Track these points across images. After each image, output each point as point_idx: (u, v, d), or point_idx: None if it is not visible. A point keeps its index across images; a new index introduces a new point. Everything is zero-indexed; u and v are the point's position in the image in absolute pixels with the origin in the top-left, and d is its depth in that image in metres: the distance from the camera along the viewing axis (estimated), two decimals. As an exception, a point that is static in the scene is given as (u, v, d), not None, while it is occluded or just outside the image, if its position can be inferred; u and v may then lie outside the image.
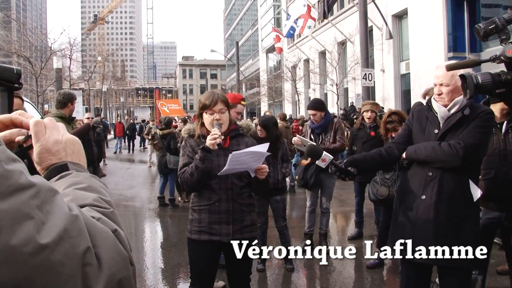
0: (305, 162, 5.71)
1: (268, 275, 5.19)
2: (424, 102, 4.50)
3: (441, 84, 2.84)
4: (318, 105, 5.86)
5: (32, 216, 0.69)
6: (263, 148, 2.86)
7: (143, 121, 31.49)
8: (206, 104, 2.97)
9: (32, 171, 0.95)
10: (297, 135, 5.52)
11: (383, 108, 15.59)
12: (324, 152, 3.03)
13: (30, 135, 0.96)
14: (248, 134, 3.20)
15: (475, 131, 2.75)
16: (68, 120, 5.43)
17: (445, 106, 2.86)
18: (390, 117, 5.09)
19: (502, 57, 2.44)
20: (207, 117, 3.00)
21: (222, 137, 2.87)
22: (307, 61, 32.32)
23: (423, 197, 2.83)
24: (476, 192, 2.79)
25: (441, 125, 2.88)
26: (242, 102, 5.14)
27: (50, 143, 0.96)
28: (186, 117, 15.16)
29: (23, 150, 1.00)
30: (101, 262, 0.75)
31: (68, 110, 5.45)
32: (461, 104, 2.82)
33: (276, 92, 39.47)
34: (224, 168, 2.81)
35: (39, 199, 0.71)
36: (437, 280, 3.25)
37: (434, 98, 2.93)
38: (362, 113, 6.53)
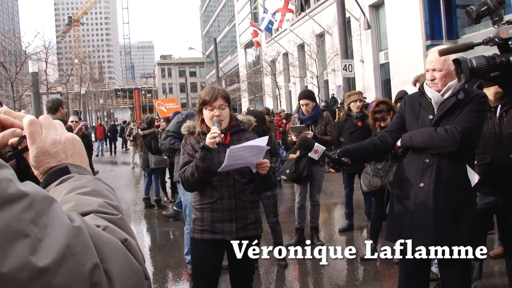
0: (294, 155, 5.60)
1: (262, 272, 5.11)
2: (411, 90, 4.46)
3: (433, 70, 2.79)
4: (311, 94, 5.80)
5: (26, 233, 0.57)
6: (262, 141, 2.77)
7: (124, 122, 31.16)
8: (206, 100, 2.90)
9: (29, 175, 0.84)
10: (290, 126, 5.45)
11: (365, 98, 15.61)
12: (316, 143, 2.96)
13: (25, 135, 0.85)
14: (249, 129, 3.12)
15: (470, 115, 2.70)
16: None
17: (439, 91, 2.81)
18: (378, 106, 5.04)
19: (496, 39, 2.38)
20: (207, 113, 2.92)
21: (222, 135, 2.80)
22: (286, 54, 32.27)
23: (421, 184, 2.78)
24: (474, 177, 2.75)
25: (435, 110, 2.83)
26: None
27: (48, 144, 0.85)
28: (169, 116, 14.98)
29: (17, 153, 0.88)
30: (112, 279, 0.64)
31: (60, 114, 5.64)
32: (454, 89, 2.77)
33: (257, 87, 39.38)
34: (223, 164, 2.73)
35: (33, 211, 0.59)
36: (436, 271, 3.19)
37: (426, 84, 2.87)
38: (349, 103, 6.43)
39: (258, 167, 2.86)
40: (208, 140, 2.75)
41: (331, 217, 7.86)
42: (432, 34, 17.98)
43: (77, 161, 0.88)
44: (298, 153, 5.48)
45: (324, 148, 2.95)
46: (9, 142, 0.88)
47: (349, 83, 17.21)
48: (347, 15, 18.57)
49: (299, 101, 5.80)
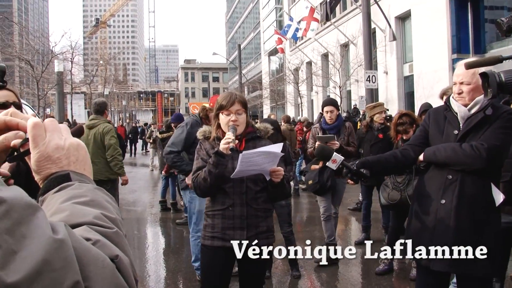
0: (316, 166, 5.44)
1: (274, 282, 5.04)
2: (435, 103, 4.35)
3: (461, 83, 2.70)
4: (335, 102, 5.70)
5: None
6: (277, 148, 2.71)
7: (145, 124, 31.38)
8: (223, 105, 2.88)
9: (29, 180, 0.80)
10: (317, 135, 5.29)
11: (387, 109, 15.43)
12: (335, 153, 2.90)
13: (28, 138, 0.82)
14: (265, 137, 3.09)
15: (498, 132, 2.59)
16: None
17: (465, 105, 2.71)
18: (401, 118, 4.93)
19: (527, 53, 2.29)
20: (223, 118, 2.90)
21: (236, 141, 2.77)
22: (309, 63, 32.23)
23: (443, 201, 2.69)
24: (499, 196, 2.64)
25: (461, 125, 2.73)
26: None
27: (51, 149, 0.81)
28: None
29: (19, 156, 0.85)
30: None
31: (106, 116, 6.23)
32: (482, 104, 2.67)
33: (279, 95, 39.36)
34: (236, 170, 2.69)
35: (9, 220, 0.54)
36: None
37: (453, 97, 2.77)
38: (374, 115, 6.31)
39: (271, 174, 2.80)
40: (222, 146, 2.72)
41: (347, 229, 7.75)
42: (459, 47, 17.72)
43: (80, 169, 0.84)
44: (321, 163, 5.32)
45: (343, 158, 2.88)
46: (11, 144, 0.84)
47: (372, 94, 17.02)
48: (373, 26, 18.46)
49: (322, 109, 5.65)
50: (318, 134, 5.50)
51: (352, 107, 21.40)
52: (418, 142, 2.91)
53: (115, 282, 0.63)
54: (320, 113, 5.84)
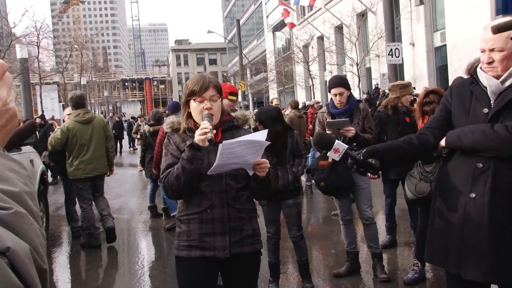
0: (325, 163, 5.21)
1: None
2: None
3: (491, 50, 2.60)
4: (344, 80, 5.43)
5: None
6: (261, 136, 2.68)
7: (133, 118, 31.40)
8: (195, 90, 2.86)
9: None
10: (328, 120, 5.10)
11: (414, 88, 15.35)
12: (337, 141, 2.86)
13: None
14: (244, 126, 3.09)
15: None
16: None
17: (497, 77, 2.63)
18: (428, 97, 4.85)
19: None
20: (195, 106, 2.87)
21: (214, 131, 2.73)
22: (321, 38, 32.10)
23: (473, 195, 2.63)
24: None
25: (492, 102, 2.65)
26: (230, 97, 4.83)
27: None
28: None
29: None
30: None
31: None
32: None
33: (287, 77, 39.28)
34: (215, 164, 2.64)
35: None
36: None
37: (481, 68, 2.71)
38: (401, 96, 6.19)
39: (255, 168, 2.76)
40: (198, 137, 2.69)
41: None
42: (505, 6, 17.26)
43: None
44: (330, 158, 4.90)
45: (346, 146, 2.85)
46: None
47: (396, 71, 16.94)
48: (394, -11, 18.31)
49: (329, 91, 5.45)
50: (327, 119, 5.30)
51: (374, 87, 21.31)
52: (438, 125, 2.86)
53: (1, 280, 0.61)
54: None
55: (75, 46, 46.99)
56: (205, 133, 2.65)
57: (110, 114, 35.00)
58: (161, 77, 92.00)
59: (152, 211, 9.22)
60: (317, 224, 8.33)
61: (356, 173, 5.11)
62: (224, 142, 2.58)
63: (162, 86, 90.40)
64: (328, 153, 2.88)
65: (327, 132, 4.89)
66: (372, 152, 2.77)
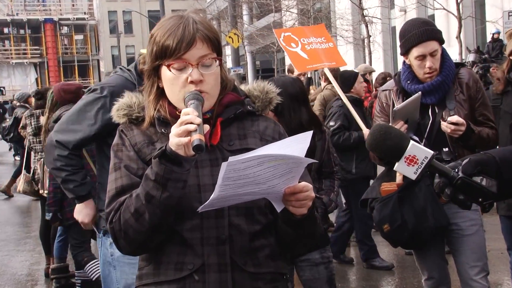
0: (391, 188, 3.38)
1: None
2: None
3: None
4: (435, 29, 3.57)
5: None
6: (302, 141, 1.67)
7: (19, 99, 19.54)
8: (170, 47, 1.77)
9: None
10: (396, 109, 3.38)
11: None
12: (412, 142, 1.77)
13: None
14: (266, 110, 1.99)
15: None
16: None
17: None
18: None
19: None
20: (171, 78, 1.81)
21: (207, 126, 1.73)
22: None
23: None
24: None
25: None
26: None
27: None
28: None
29: None
30: None
31: None
32: None
33: (318, 21, 21.49)
34: (212, 196, 1.65)
35: None
36: None
37: None
38: None
39: (288, 199, 1.71)
40: (176, 139, 1.65)
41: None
42: None
43: None
44: (400, 179, 3.33)
45: (432, 152, 1.78)
46: None
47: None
48: None
49: (407, 52, 3.46)
50: (395, 105, 3.55)
51: (491, 39, 14.03)
52: None
53: None
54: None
55: None
56: (189, 132, 1.62)
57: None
58: (77, 19, 52.79)
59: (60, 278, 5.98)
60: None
61: (451, 205, 3.19)
62: (230, 160, 1.57)
63: (79, 37, 54.00)
64: (396, 165, 1.81)
65: (395, 126, 2.95)
66: (482, 163, 1.74)
